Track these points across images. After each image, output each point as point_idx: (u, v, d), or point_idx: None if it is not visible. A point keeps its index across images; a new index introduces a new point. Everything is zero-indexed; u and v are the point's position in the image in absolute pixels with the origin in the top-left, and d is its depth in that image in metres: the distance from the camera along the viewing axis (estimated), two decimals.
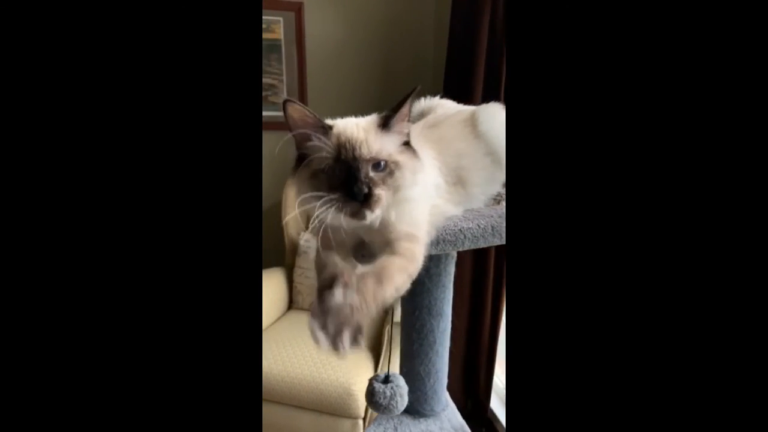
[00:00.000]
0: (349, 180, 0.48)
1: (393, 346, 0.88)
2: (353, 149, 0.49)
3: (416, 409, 0.86)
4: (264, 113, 2.11)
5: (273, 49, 2.04)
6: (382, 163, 0.50)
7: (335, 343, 0.44)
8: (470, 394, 1.78)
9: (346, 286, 0.46)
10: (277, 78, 2.09)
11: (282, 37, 2.04)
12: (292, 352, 1.54)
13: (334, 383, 1.40)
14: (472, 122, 0.66)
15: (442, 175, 0.61)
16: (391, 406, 0.68)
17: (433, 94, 0.80)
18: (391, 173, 0.50)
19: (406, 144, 0.54)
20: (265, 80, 2.08)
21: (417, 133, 0.67)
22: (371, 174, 0.49)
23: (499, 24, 1.45)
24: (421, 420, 0.85)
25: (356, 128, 0.51)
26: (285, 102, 0.50)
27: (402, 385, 0.70)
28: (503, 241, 0.61)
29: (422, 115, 0.75)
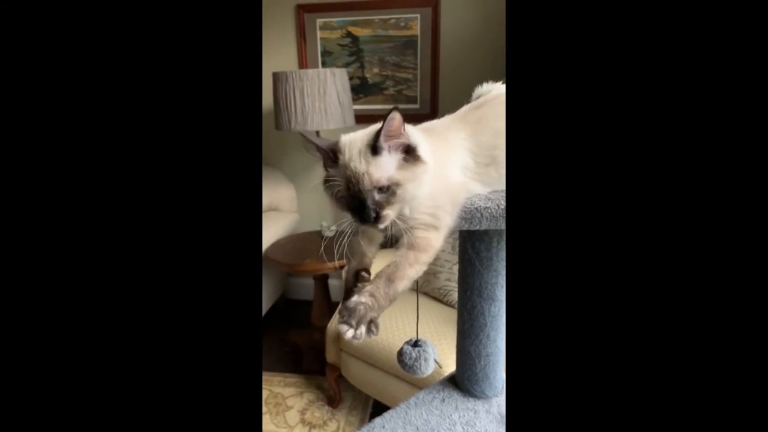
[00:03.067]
0: (359, 207, 0.57)
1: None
2: (357, 183, 0.56)
3: (467, 387, 0.88)
4: (400, 106, 2.26)
5: (409, 44, 2.18)
6: (385, 187, 0.56)
7: (355, 335, 0.57)
8: None
9: (360, 290, 0.59)
10: (412, 72, 2.22)
11: (419, 32, 2.15)
12: (395, 326, 1.67)
13: None
14: None
15: (472, 155, 0.63)
16: (415, 367, 0.74)
17: None
18: (394, 193, 0.57)
19: (407, 151, 0.58)
20: (400, 74, 2.23)
21: (460, 114, 0.70)
22: (377, 198, 0.57)
23: None
24: (470, 399, 0.87)
25: (358, 160, 0.57)
26: (301, 134, 0.60)
27: (429, 351, 0.75)
28: None
29: (479, 99, 0.76)
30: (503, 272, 0.80)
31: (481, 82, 0.80)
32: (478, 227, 0.61)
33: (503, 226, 0.61)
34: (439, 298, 1.84)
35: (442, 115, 0.70)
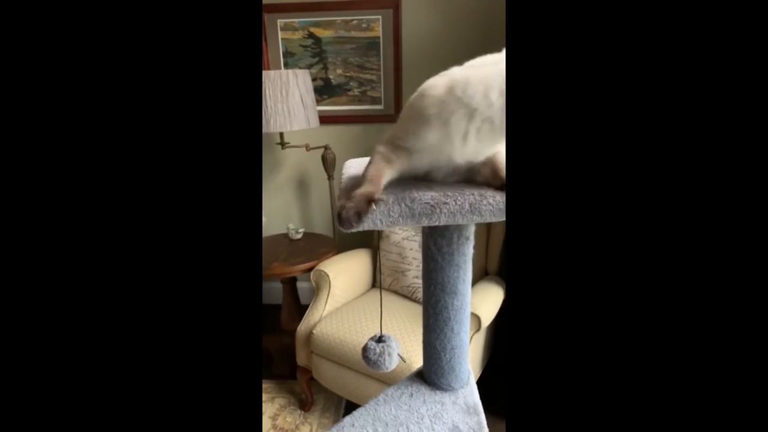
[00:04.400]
0: None
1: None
2: None
3: (434, 381, 0.90)
4: (364, 107, 2.28)
5: (372, 45, 2.19)
6: None
7: None
8: None
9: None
10: (375, 74, 2.23)
11: (381, 34, 2.17)
12: (365, 326, 1.67)
13: None
14: None
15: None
16: (379, 362, 0.75)
17: None
18: None
19: None
20: (364, 76, 2.24)
21: None
22: None
23: None
24: (437, 392, 0.89)
25: None
26: None
27: (392, 346, 0.76)
28: (483, 220, 0.62)
29: None
30: (464, 266, 0.82)
31: None
32: (437, 223, 0.62)
33: (461, 221, 0.63)
34: (408, 296, 1.86)
35: None
